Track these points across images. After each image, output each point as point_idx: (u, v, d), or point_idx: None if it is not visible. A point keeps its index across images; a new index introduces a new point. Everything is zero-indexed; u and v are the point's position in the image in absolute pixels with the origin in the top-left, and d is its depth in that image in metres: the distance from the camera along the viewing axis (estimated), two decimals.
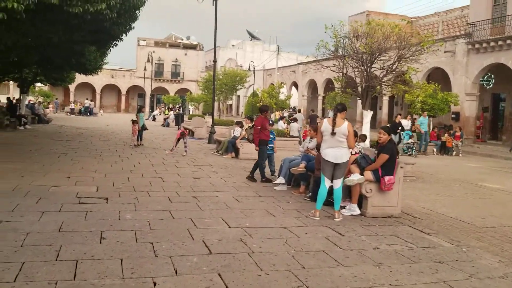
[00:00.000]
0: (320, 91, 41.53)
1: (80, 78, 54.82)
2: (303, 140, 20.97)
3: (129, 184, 8.95)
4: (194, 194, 8.21)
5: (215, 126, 19.62)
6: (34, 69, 24.09)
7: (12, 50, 12.39)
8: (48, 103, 48.23)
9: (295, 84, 47.65)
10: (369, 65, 12.24)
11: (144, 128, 16.94)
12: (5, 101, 24.30)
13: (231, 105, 64.20)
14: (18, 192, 7.56)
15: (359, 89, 12.95)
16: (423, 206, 8.62)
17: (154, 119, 41.10)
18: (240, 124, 14.84)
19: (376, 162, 7.25)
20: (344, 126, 6.69)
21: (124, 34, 12.43)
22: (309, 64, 44.22)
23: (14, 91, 46.69)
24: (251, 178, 9.98)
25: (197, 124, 23.14)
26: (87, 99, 52.27)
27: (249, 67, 45.43)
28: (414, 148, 18.85)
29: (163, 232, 5.65)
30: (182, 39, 69.67)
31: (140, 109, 17.11)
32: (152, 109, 56.61)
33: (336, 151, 6.74)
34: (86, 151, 14.03)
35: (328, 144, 6.78)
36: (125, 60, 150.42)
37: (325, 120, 6.93)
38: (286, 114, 34.12)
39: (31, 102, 32.00)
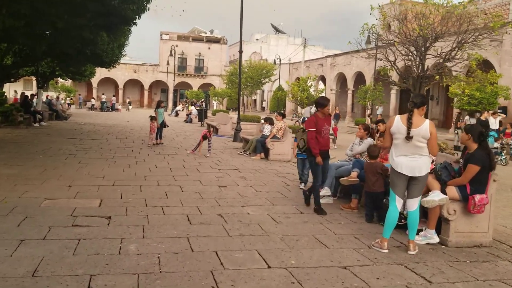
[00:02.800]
0: (350, 85, 39.45)
1: (102, 73, 54.35)
2: (336, 138, 19.39)
3: (140, 195, 7.35)
4: (220, 211, 6.54)
5: (240, 123, 17.93)
6: (51, 62, 22.91)
7: (14, 37, 10.97)
8: (71, 98, 47.60)
9: (322, 78, 45.57)
10: (423, 51, 10.31)
11: (163, 125, 15.37)
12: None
13: (255, 100, 62.45)
14: (1, 208, 6.03)
15: (410, 80, 11.03)
16: None
17: (176, 114, 39.79)
18: (269, 121, 13.10)
19: (464, 175, 5.42)
20: (424, 126, 4.89)
21: (137, 17, 10.79)
22: (337, 57, 42.23)
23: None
24: (319, 210, 6.66)
25: (222, 120, 21.51)
26: (103, 94, 51.45)
27: (274, 60, 43.55)
28: (503, 153, 15.14)
29: (176, 279, 4.00)
30: (206, 33, 68.24)
31: (158, 105, 15.54)
32: (175, 104, 55.39)
33: (412, 161, 4.95)
34: (98, 152, 12.55)
35: (402, 151, 4.99)
36: (148, 55, 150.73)
37: (397, 117, 5.11)
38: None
39: (48, 97, 31.00)
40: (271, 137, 12.43)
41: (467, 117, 19.87)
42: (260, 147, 12.63)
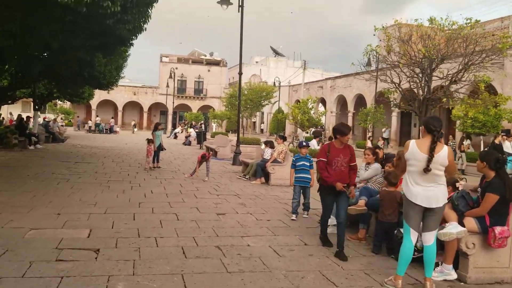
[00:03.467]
0: (350, 107, 39.25)
1: (102, 95, 54.32)
2: None
3: (133, 224, 6.88)
4: (218, 242, 6.07)
5: (239, 146, 17.53)
6: (48, 84, 22.63)
7: (7, 57, 10.64)
8: (69, 121, 47.33)
9: (322, 101, 45.43)
10: (429, 73, 9.99)
11: (161, 148, 14.95)
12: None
13: (254, 123, 62.25)
14: None
15: (416, 102, 10.67)
16: None
17: (175, 137, 39.41)
18: (270, 144, 12.70)
19: (482, 205, 4.99)
20: (443, 153, 4.48)
21: (134, 37, 10.49)
22: (337, 79, 42.19)
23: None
24: (324, 241, 6.19)
25: (221, 143, 21.10)
26: (97, 116, 51.23)
27: (274, 82, 43.48)
28: None
29: None
30: (205, 55, 68.56)
31: (156, 127, 15.15)
32: (174, 126, 55.15)
33: (428, 190, 4.52)
34: (93, 176, 12.10)
35: (417, 179, 4.56)
36: (148, 77, 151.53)
37: (413, 142, 4.68)
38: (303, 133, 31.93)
39: (45, 119, 30.67)
40: (272, 161, 12.00)
41: (468, 141, 19.49)
42: (261, 171, 12.20)
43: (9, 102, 31.51)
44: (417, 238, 4.78)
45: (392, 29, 10.92)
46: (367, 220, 6.57)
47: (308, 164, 8.00)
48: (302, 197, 8.20)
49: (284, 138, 12.56)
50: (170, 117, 59.70)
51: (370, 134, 28.66)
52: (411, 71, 10.69)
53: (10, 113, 35.53)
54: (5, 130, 18.70)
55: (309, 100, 17.23)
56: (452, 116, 20.57)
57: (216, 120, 40.97)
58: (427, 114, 10.40)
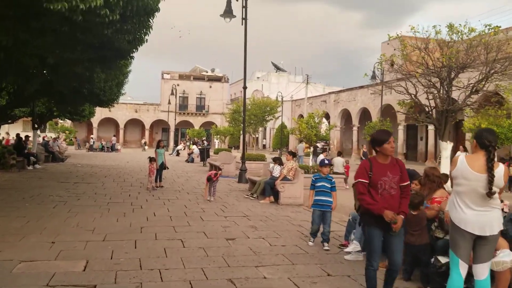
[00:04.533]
0: (355, 121, 38.66)
1: (103, 113, 53.90)
2: (347, 177, 18.26)
3: (134, 253, 6.20)
4: (230, 274, 5.39)
5: (245, 162, 16.87)
6: (47, 102, 22.11)
7: (2, 73, 10.07)
8: (70, 139, 46.82)
9: (326, 115, 44.90)
10: (448, 83, 9.39)
11: (163, 167, 14.29)
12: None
13: (257, 138, 61.67)
14: None
15: (434, 114, 10.04)
16: None
17: (178, 154, 38.83)
18: (279, 161, 12.04)
19: None
20: (499, 173, 3.81)
21: (134, 50, 9.90)
22: (341, 93, 41.71)
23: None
24: None
25: (225, 159, 20.44)
26: (91, 135, 50.87)
27: (276, 97, 43.02)
28: None
29: None
30: (207, 72, 68.37)
31: (158, 144, 14.54)
32: (176, 143, 54.59)
33: (481, 215, 3.85)
34: (92, 198, 11.43)
35: (468, 202, 3.89)
36: (149, 94, 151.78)
37: (461, 158, 3.99)
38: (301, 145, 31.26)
39: (45, 138, 30.12)
40: (281, 179, 11.34)
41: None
42: (269, 190, 11.52)
43: (9, 121, 31.00)
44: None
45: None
46: None
47: (329, 185, 7.05)
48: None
49: (293, 155, 11.93)
50: (172, 134, 59.21)
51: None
52: (427, 81, 10.08)
53: (7, 133, 34.94)
54: (2, 150, 18.09)
55: (316, 115, 16.69)
56: (463, 128, 19.89)
57: (218, 136, 40.39)
58: (446, 126, 9.78)
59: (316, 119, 16.79)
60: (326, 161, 7.29)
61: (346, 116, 41.22)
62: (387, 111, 31.97)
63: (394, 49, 10.54)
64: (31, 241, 6.65)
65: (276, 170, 11.70)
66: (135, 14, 7.63)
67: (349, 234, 6.91)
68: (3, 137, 36.28)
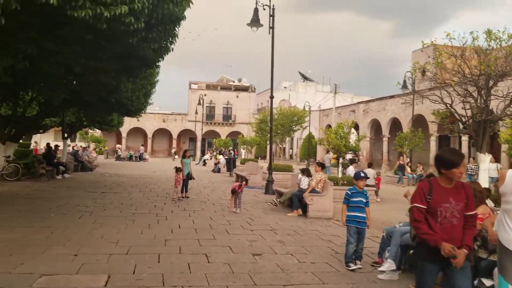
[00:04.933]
0: (385, 131, 37.85)
1: (132, 123, 54.74)
2: (378, 189, 17.69)
3: (157, 268, 5.98)
4: None
5: (272, 173, 16.56)
6: (76, 112, 22.45)
7: (27, 83, 10.14)
8: (100, 149, 47.62)
9: (355, 125, 44.21)
10: (486, 91, 8.88)
11: (190, 177, 14.13)
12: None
13: (284, 148, 61.31)
14: None
15: (471, 125, 9.52)
16: None
17: (204, 164, 38.86)
18: (307, 172, 11.70)
19: None
20: None
21: (160, 59, 9.79)
22: (371, 103, 40.99)
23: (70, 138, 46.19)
24: None
25: (251, 170, 20.20)
26: (118, 144, 51.49)
27: (304, 107, 42.63)
28: None
29: None
30: (234, 81, 68.70)
31: (184, 154, 14.41)
32: (203, 153, 54.81)
33: None
34: (118, 208, 11.34)
35: None
36: (177, 104, 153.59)
37: (510, 172, 3.62)
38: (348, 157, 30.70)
39: (74, 148, 30.61)
40: (310, 191, 10.99)
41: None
42: (297, 202, 11.17)
43: (41, 131, 31.71)
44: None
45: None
46: None
47: (365, 200, 6.58)
48: None
49: (322, 166, 11.56)
50: (199, 144, 59.51)
51: (408, 159, 27.19)
52: (464, 90, 9.58)
53: (35, 142, 35.74)
54: (32, 159, 18.36)
55: (345, 124, 16.28)
56: (499, 139, 19.06)
57: (245, 146, 40.21)
58: (484, 137, 9.25)
59: (345, 129, 16.38)
60: (362, 174, 6.82)
61: (375, 126, 40.44)
62: (419, 121, 31.14)
63: (428, 57, 10.09)
64: (54, 253, 6.52)
65: (304, 181, 11.36)
66: (160, 22, 7.51)
67: (383, 252, 6.50)
68: (34, 147, 37.17)
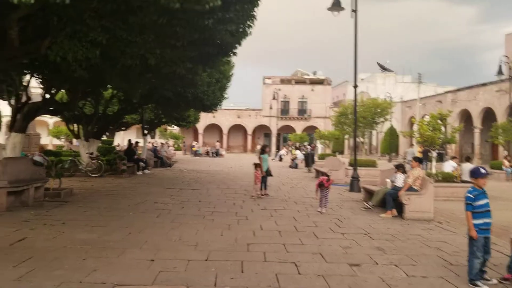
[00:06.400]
0: (476, 122, 34.65)
1: (208, 119, 55.51)
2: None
3: (241, 280, 5.18)
4: None
5: (357, 169, 15.29)
6: (155, 109, 22.65)
7: (104, 75, 9.88)
8: (178, 145, 48.71)
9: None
10: None
11: (268, 173, 13.33)
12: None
13: (362, 142, 58.89)
14: None
15: None
16: None
17: (280, 159, 38.15)
18: (402, 168, 10.38)
19: None
20: None
21: (237, 45, 8.99)
22: (459, 92, 37.81)
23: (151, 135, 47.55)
24: None
25: (332, 165, 18.98)
26: (193, 142, 51.96)
27: (385, 98, 40.31)
28: None
29: None
30: (309, 75, 67.16)
31: (263, 150, 13.63)
32: (278, 148, 54.15)
33: None
34: (196, 206, 10.81)
35: None
36: (251, 100, 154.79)
37: None
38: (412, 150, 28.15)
39: (154, 144, 31.21)
40: (406, 189, 9.68)
41: None
42: (391, 202, 9.90)
43: (123, 128, 32.75)
44: None
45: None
46: None
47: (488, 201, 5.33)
48: None
49: (420, 161, 10.20)
50: (273, 139, 58.96)
51: (506, 152, 24.41)
52: None
53: (118, 144, 37.08)
54: (114, 156, 18.65)
55: (439, 115, 14.55)
56: None
57: (323, 141, 38.81)
58: None
59: (440, 120, 14.63)
60: (483, 170, 5.50)
61: (465, 116, 37.21)
62: None
63: None
64: (130, 258, 5.96)
65: (400, 179, 10.06)
66: (237, 1, 6.69)
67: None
68: (118, 143, 38.66)
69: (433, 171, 14.73)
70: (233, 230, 8.01)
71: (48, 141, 46.81)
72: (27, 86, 14.23)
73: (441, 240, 7.63)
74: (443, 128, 16.27)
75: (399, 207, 9.85)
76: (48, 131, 48.22)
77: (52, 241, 6.80)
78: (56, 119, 41.10)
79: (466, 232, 5.65)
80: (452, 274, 5.62)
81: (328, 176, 16.92)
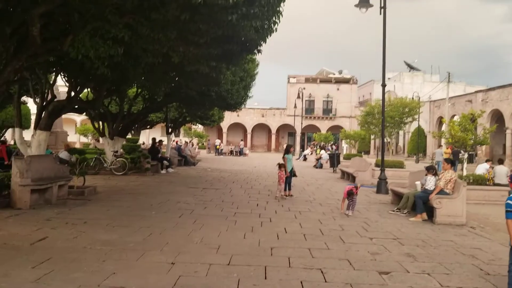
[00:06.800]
0: (508, 123, 33.45)
1: (232, 118, 55.51)
2: None
3: (264, 286, 4.95)
4: None
5: (384, 170, 14.84)
6: (179, 108, 22.62)
7: (126, 72, 9.79)
8: (202, 144, 48.86)
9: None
10: None
11: (292, 174, 13.03)
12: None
13: (388, 142, 57.81)
14: None
15: None
16: None
17: (305, 159, 37.71)
18: (433, 170, 9.93)
19: None
20: None
21: (262, 41, 8.69)
22: (490, 92, 36.64)
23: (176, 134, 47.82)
24: None
25: (359, 166, 18.56)
26: (217, 141, 51.84)
27: (413, 98, 39.36)
28: None
29: None
30: (334, 74, 66.33)
31: (288, 149, 13.34)
32: (302, 148, 53.67)
33: None
34: (219, 206, 10.62)
35: None
36: (275, 99, 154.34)
37: None
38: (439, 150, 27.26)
39: (177, 143, 31.26)
40: (437, 192, 9.25)
41: None
42: (422, 206, 9.48)
43: (148, 127, 32.93)
44: None
45: None
46: None
47: None
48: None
49: (452, 163, 9.74)
50: (298, 139, 58.46)
51: None
52: None
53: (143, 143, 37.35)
54: (138, 154, 18.69)
55: (471, 115, 13.94)
56: None
57: (348, 140, 38.14)
58: None
59: (472, 121, 13.99)
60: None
61: (497, 117, 35.99)
62: None
63: None
64: (150, 261, 5.79)
65: (430, 181, 9.63)
66: None
67: None
68: (143, 142, 38.98)
69: (464, 173, 14.15)
70: (256, 233, 7.78)
71: (75, 139, 47.67)
72: (52, 84, 14.35)
73: (476, 247, 7.22)
74: (475, 129, 15.64)
75: (430, 211, 9.43)
76: (76, 129, 49.09)
77: (72, 241, 6.71)
78: (84, 117, 41.74)
79: (507, 241, 5.26)
80: (490, 285, 5.25)
81: (353, 176, 16.54)
